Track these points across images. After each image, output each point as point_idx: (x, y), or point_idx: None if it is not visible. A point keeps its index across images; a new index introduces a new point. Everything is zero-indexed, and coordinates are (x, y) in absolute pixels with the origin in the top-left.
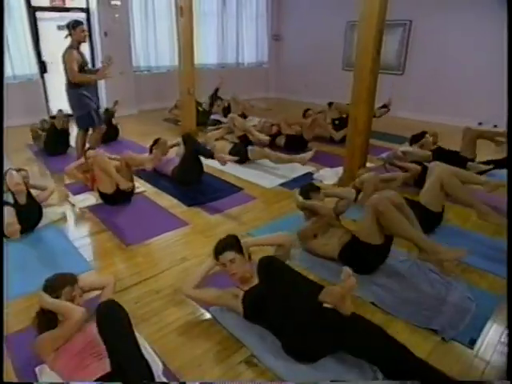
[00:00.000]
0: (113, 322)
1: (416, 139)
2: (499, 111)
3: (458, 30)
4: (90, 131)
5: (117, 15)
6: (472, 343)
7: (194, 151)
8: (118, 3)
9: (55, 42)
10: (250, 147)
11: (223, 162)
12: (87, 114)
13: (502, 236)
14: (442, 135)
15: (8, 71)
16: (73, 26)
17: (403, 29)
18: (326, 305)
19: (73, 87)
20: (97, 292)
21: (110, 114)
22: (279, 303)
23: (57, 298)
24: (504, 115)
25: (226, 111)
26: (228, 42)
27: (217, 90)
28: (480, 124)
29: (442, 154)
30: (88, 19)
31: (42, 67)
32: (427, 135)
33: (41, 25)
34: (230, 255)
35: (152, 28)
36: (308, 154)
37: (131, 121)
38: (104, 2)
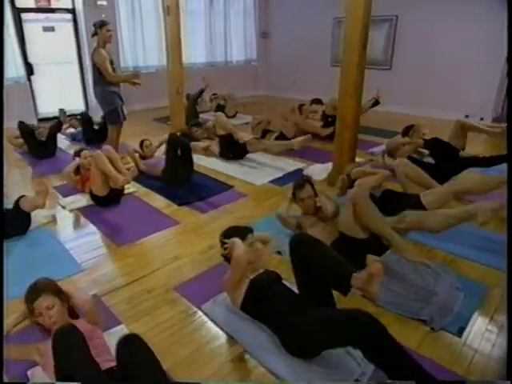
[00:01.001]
0: (68, 348)
1: (407, 131)
2: (486, 104)
3: (443, 24)
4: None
5: (103, 15)
6: (460, 332)
7: (175, 146)
8: (104, 3)
9: (42, 44)
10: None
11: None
12: (114, 110)
13: (489, 227)
14: (430, 129)
15: None
16: (99, 25)
17: (389, 24)
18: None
19: (102, 85)
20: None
21: (91, 120)
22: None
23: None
24: (490, 108)
25: (220, 109)
26: (216, 41)
27: (202, 91)
28: (467, 117)
29: (435, 145)
30: (74, 20)
31: (29, 69)
32: (415, 126)
33: (26, 26)
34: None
35: (139, 28)
36: (301, 138)
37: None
38: (90, 2)
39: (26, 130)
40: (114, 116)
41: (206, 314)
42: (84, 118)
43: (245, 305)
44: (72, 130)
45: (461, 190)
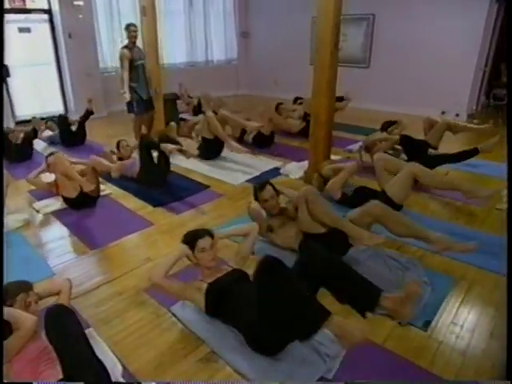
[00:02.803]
0: (61, 327)
1: (387, 126)
2: (461, 101)
3: (419, 23)
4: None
5: (80, 16)
6: (426, 326)
7: (145, 147)
8: (81, 3)
9: (18, 45)
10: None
11: (169, 152)
12: (129, 103)
13: (458, 221)
14: (408, 125)
15: None
16: (126, 27)
17: (367, 23)
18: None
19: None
20: (55, 298)
21: (68, 121)
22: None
23: (11, 305)
24: (466, 104)
25: (196, 109)
26: (197, 41)
27: (177, 97)
28: (443, 113)
29: (409, 142)
30: (51, 20)
31: (5, 71)
32: (399, 121)
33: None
34: (209, 240)
35: (118, 28)
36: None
37: (100, 123)
38: (66, 2)
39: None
40: (129, 107)
41: (174, 316)
42: (60, 120)
43: (208, 309)
44: (49, 132)
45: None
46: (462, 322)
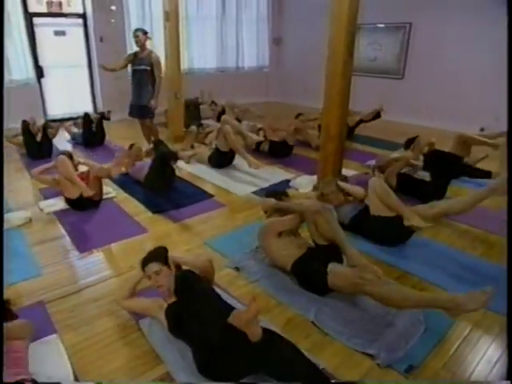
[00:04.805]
0: None
1: (410, 143)
2: (502, 116)
3: (459, 33)
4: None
5: (113, 20)
6: (408, 371)
7: (159, 156)
8: (114, 8)
9: (53, 47)
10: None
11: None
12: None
13: (475, 251)
14: (442, 141)
15: (5, 76)
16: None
17: (403, 32)
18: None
19: None
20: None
21: (89, 119)
22: (193, 322)
23: None
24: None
25: (221, 116)
26: (228, 46)
27: (200, 103)
28: (482, 130)
29: (436, 158)
30: (85, 24)
31: (39, 72)
32: (418, 138)
33: (38, 30)
34: (155, 267)
35: (149, 33)
36: (259, 163)
37: (124, 125)
38: (100, 7)
39: (25, 129)
40: None
41: (140, 329)
42: (85, 119)
43: (170, 329)
44: (75, 129)
45: (440, 213)
46: (454, 369)
